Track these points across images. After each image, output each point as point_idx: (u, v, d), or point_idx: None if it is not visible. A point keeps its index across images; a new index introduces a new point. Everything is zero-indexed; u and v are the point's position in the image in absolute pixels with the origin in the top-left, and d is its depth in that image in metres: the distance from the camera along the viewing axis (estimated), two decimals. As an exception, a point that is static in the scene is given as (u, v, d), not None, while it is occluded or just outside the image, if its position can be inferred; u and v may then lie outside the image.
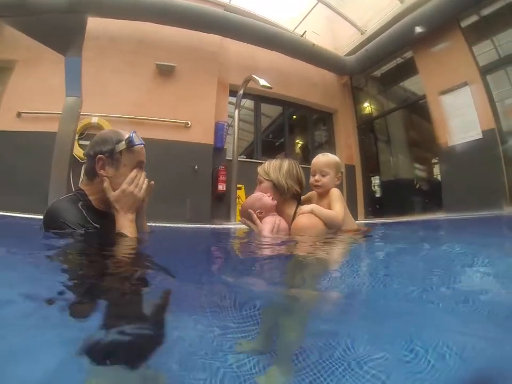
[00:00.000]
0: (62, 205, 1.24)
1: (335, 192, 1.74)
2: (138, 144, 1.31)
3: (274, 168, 1.74)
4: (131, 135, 1.30)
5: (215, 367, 0.61)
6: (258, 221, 1.63)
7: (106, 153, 1.27)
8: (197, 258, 1.37)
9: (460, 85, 5.46)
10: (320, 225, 1.57)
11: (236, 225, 4.07)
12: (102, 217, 1.28)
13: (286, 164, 1.77)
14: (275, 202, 1.69)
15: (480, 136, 5.19)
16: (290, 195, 1.72)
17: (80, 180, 3.95)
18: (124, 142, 1.28)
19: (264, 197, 1.68)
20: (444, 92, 5.68)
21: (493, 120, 5.13)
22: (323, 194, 1.79)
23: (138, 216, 1.36)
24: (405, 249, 1.68)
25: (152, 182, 1.37)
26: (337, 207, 1.66)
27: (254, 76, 4.30)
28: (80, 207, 1.24)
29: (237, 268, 1.28)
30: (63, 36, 3.19)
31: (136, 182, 1.28)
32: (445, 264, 1.22)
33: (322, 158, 1.82)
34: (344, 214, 1.66)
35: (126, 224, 1.25)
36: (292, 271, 1.19)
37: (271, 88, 4.28)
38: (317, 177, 1.77)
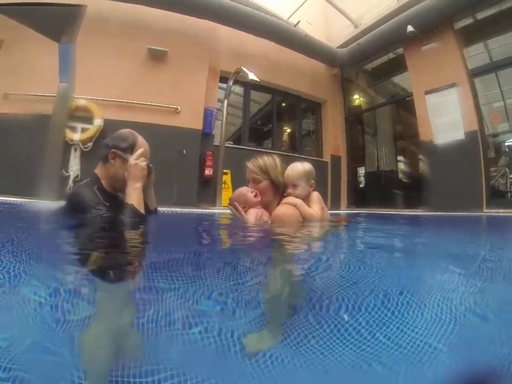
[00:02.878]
0: (81, 190, 1.62)
1: (315, 195, 1.95)
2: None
3: (271, 167, 1.93)
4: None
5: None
6: (243, 212, 1.89)
7: (119, 149, 1.64)
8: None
9: (447, 86, 5.57)
10: (296, 215, 1.81)
11: (220, 210, 4.28)
12: (111, 198, 1.64)
13: (277, 161, 1.97)
14: (258, 198, 1.91)
15: (463, 137, 5.34)
16: (281, 189, 1.95)
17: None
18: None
19: (248, 192, 1.91)
20: (430, 91, 5.81)
21: (477, 123, 5.27)
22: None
23: (147, 194, 1.77)
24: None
25: (151, 165, 1.74)
26: (315, 208, 1.89)
27: (243, 68, 4.35)
28: (95, 190, 1.60)
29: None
30: (58, 24, 3.10)
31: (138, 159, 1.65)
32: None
33: (292, 173, 1.91)
34: (321, 213, 1.92)
35: (132, 192, 1.61)
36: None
37: (259, 82, 4.37)
38: (290, 190, 1.94)
